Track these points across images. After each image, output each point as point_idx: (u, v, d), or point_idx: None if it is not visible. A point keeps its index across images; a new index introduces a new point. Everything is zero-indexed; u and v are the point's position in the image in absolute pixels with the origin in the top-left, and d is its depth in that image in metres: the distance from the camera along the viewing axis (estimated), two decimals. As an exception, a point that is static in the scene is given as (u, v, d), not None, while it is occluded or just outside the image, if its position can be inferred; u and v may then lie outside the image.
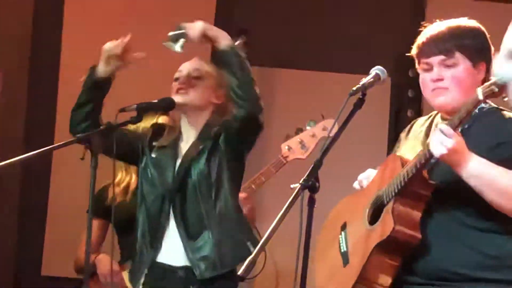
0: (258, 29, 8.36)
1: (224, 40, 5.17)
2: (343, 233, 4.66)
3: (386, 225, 4.34)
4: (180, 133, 5.44)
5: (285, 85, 8.47)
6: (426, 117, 4.71)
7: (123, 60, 5.30)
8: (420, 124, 4.71)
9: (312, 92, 7.75)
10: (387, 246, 4.34)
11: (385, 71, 4.46)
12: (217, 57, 5.17)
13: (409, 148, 4.60)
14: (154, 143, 5.50)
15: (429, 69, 4.49)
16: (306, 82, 8.30)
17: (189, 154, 5.32)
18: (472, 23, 4.64)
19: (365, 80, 4.35)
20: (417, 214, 4.38)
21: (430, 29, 4.55)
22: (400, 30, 7.88)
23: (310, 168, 4.12)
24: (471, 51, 4.49)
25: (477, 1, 8.59)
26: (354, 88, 4.29)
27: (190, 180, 5.27)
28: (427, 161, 4.30)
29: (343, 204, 4.84)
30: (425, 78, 4.50)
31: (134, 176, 6.30)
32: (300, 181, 4.08)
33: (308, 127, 5.96)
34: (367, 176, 4.65)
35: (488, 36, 4.59)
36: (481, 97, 4.14)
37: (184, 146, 5.39)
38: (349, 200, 4.84)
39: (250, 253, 4.30)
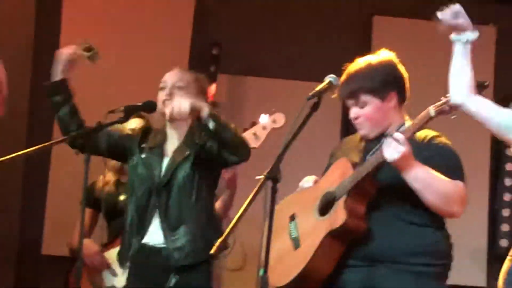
0: (230, 40, 8.41)
1: (204, 111, 4.99)
2: (293, 222, 4.77)
3: (338, 216, 4.48)
4: (165, 135, 5.34)
5: (254, 91, 8.40)
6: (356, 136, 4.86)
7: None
8: (352, 141, 4.86)
9: (278, 97, 7.68)
10: (338, 233, 4.47)
11: (337, 78, 4.48)
12: (202, 127, 5.06)
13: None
14: (142, 145, 5.39)
15: (350, 107, 4.74)
16: (272, 88, 8.24)
17: (176, 157, 5.26)
18: (383, 56, 4.75)
19: (320, 86, 4.36)
20: (363, 208, 4.53)
21: (346, 73, 4.72)
22: (351, 46, 8.09)
23: (273, 162, 4.11)
24: (376, 90, 4.62)
25: (415, 19, 8.54)
26: (311, 93, 4.31)
27: (175, 180, 5.22)
28: (380, 165, 4.46)
29: (289, 200, 4.90)
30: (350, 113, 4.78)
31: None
32: (264, 173, 4.07)
33: (260, 121, 5.87)
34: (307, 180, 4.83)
35: (398, 65, 4.72)
36: (433, 114, 4.35)
37: (169, 147, 5.34)
38: (295, 196, 4.93)
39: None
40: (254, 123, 5.91)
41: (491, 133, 7.82)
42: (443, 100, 4.35)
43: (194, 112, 5.01)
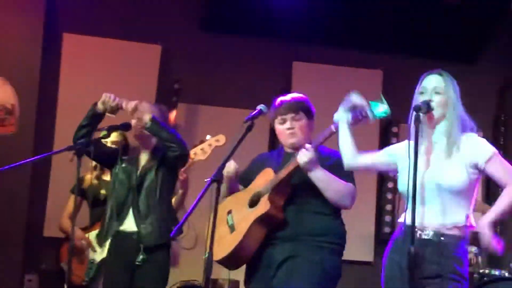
0: (188, 78, 8.27)
1: (146, 116, 5.12)
2: (229, 215, 4.85)
3: (263, 206, 4.63)
4: (139, 150, 5.43)
5: (205, 116, 8.38)
6: (271, 152, 5.07)
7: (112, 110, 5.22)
8: (268, 154, 5.06)
9: (222, 121, 7.61)
10: (263, 219, 4.62)
11: (266, 107, 4.55)
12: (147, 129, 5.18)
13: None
14: (123, 157, 5.44)
15: (283, 122, 4.78)
16: (219, 114, 8.22)
17: (145, 167, 5.31)
18: (301, 96, 4.89)
19: (253, 112, 4.46)
20: (282, 202, 4.65)
21: (281, 99, 4.82)
22: (276, 84, 8.11)
23: (217, 169, 4.19)
24: (305, 111, 4.79)
25: (327, 65, 8.59)
26: (247, 118, 4.39)
27: (145, 183, 5.26)
28: (294, 169, 4.55)
29: (227, 200, 4.94)
30: (281, 128, 4.79)
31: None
32: (211, 177, 4.15)
33: (207, 139, 6.03)
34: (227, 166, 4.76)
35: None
36: (334, 129, 4.43)
37: (142, 160, 5.38)
38: (232, 197, 4.97)
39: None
40: (202, 141, 6.05)
41: (379, 148, 7.84)
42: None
43: (139, 114, 5.13)
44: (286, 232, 4.64)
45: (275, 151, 5.03)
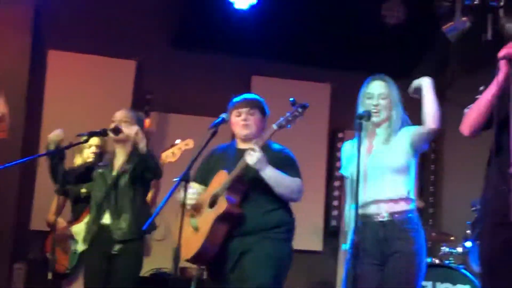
0: (159, 89, 8.28)
1: (142, 144, 5.12)
2: (192, 219, 4.73)
3: (221, 206, 4.55)
4: (114, 154, 5.43)
5: (175, 123, 8.38)
6: (225, 146, 4.90)
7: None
8: (221, 151, 4.87)
9: (190, 127, 7.52)
10: (223, 217, 4.54)
11: (228, 115, 4.70)
12: (137, 153, 5.20)
13: (220, 168, 4.74)
14: (99, 163, 5.48)
15: (239, 115, 4.72)
16: (187, 121, 8.19)
17: (120, 169, 5.31)
18: (257, 96, 4.90)
19: (217, 120, 4.57)
20: (239, 199, 4.58)
21: (240, 96, 4.81)
22: (238, 94, 7.90)
23: (185, 169, 4.33)
24: (260, 109, 4.76)
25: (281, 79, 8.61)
26: (211, 125, 4.52)
27: (120, 184, 5.27)
28: (245, 168, 4.49)
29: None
30: (237, 120, 4.72)
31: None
32: (179, 176, 4.30)
33: (176, 143, 6.02)
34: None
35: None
36: (275, 128, 4.44)
37: (118, 161, 5.38)
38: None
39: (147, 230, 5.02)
40: (172, 145, 6.00)
41: (327, 151, 7.88)
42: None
43: (136, 138, 5.12)
44: (243, 227, 4.57)
45: (229, 146, 4.91)
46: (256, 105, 4.80)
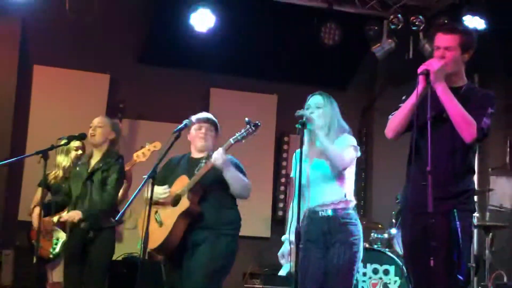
0: (130, 98, 8.25)
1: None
2: (157, 214, 4.70)
3: (184, 204, 4.56)
4: (92, 154, 5.39)
5: (144, 129, 8.27)
6: (180, 156, 4.82)
7: None
8: (177, 160, 4.81)
9: (156, 131, 7.29)
10: (185, 214, 4.54)
11: (190, 121, 4.63)
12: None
13: (177, 172, 4.73)
14: (78, 162, 5.46)
15: (200, 129, 4.69)
16: (154, 127, 8.08)
17: (95, 167, 5.26)
18: (215, 118, 4.82)
19: (180, 126, 4.45)
20: (198, 199, 4.58)
21: (203, 115, 4.78)
22: (196, 106, 7.92)
23: (152, 168, 4.21)
24: (216, 128, 4.73)
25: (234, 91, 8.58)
26: (175, 130, 4.39)
27: (94, 181, 5.22)
28: (208, 171, 4.51)
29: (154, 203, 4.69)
30: (197, 133, 4.71)
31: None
32: (148, 174, 4.17)
33: (146, 145, 5.98)
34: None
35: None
36: (232, 142, 4.44)
37: (94, 159, 5.34)
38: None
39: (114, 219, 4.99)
40: (142, 147, 6.02)
41: (274, 153, 7.86)
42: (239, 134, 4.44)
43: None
44: (201, 222, 4.59)
45: (182, 158, 4.88)
46: (214, 125, 4.82)
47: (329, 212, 4.21)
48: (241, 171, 4.70)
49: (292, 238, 3.97)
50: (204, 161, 4.65)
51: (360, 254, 4.22)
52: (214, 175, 4.59)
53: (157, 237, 4.59)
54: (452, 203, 3.68)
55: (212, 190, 4.64)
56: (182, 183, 4.65)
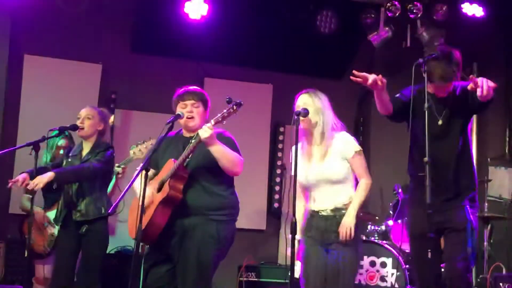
0: (123, 88, 8.22)
1: None
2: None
3: (165, 190, 4.42)
4: (82, 147, 5.41)
5: (136, 120, 8.28)
6: (173, 134, 4.65)
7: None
8: (170, 139, 4.64)
9: (149, 123, 7.32)
10: (166, 200, 4.42)
11: (183, 113, 4.56)
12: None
13: (168, 153, 4.62)
14: (69, 154, 5.46)
15: (185, 107, 4.56)
16: (147, 117, 8.09)
17: (84, 159, 5.29)
18: (200, 88, 4.74)
19: (173, 117, 4.49)
20: (181, 186, 4.43)
21: (184, 88, 4.63)
22: None
23: (144, 160, 4.29)
24: (203, 101, 4.62)
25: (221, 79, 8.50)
26: (168, 121, 4.41)
27: None
28: (197, 145, 4.37)
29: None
30: (182, 111, 4.56)
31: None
32: (141, 166, 4.26)
33: (144, 142, 5.98)
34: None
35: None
36: (213, 122, 4.27)
37: (84, 151, 5.37)
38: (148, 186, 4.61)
39: (105, 212, 5.14)
40: (139, 143, 6.05)
41: (270, 143, 7.84)
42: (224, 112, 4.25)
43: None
44: (188, 209, 4.45)
45: (177, 134, 4.72)
46: (200, 98, 4.64)
47: (331, 212, 4.36)
48: (231, 144, 4.51)
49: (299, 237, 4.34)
50: (193, 140, 4.45)
51: (359, 254, 4.45)
52: (202, 158, 4.47)
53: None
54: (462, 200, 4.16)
55: (200, 174, 4.48)
56: (168, 167, 4.50)
